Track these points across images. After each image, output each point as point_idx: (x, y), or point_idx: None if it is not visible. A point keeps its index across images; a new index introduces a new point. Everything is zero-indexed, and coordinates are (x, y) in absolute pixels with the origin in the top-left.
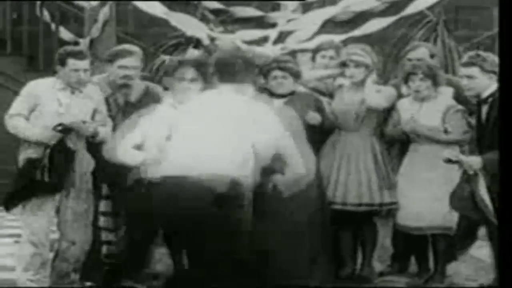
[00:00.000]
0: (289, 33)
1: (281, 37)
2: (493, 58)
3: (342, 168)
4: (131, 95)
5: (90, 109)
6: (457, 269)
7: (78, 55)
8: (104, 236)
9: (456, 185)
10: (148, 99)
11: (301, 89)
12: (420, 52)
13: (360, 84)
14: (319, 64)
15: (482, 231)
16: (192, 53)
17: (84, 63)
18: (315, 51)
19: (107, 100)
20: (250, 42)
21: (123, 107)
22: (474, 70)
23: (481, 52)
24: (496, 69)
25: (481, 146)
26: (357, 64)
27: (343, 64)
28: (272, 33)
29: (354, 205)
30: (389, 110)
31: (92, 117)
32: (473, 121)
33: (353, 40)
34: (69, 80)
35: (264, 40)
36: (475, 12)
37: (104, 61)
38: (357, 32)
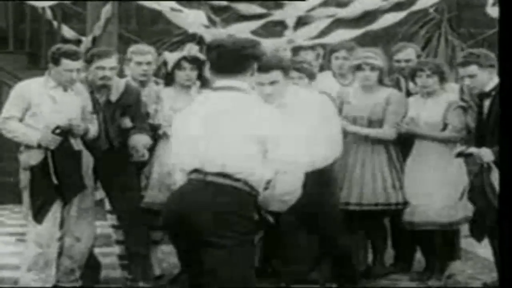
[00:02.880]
0: (298, 26)
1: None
2: (487, 53)
3: (357, 169)
4: (111, 94)
5: (79, 107)
6: (460, 267)
7: (72, 56)
8: (116, 235)
9: (472, 178)
10: (128, 97)
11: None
12: (407, 52)
13: (372, 87)
14: (334, 65)
15: None
16: (191, 48)
17: (77, 64)
18: (329, 52)
19: (91, 94)
20: (266, 33)
21: (104, 106)
22: (473, 69)
23: (473, 50)
24: (493, 62)
25: (480, 143)
26: (373, 67)
27: (358, 67)
28: (290, 20)
29: (370, 205)
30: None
31: (82, 114)
32: (471, 122)
33: (362, 37)
34: (61, 79)
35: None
36: (478, 9)
37: (84, 62)
38: (369, 28)
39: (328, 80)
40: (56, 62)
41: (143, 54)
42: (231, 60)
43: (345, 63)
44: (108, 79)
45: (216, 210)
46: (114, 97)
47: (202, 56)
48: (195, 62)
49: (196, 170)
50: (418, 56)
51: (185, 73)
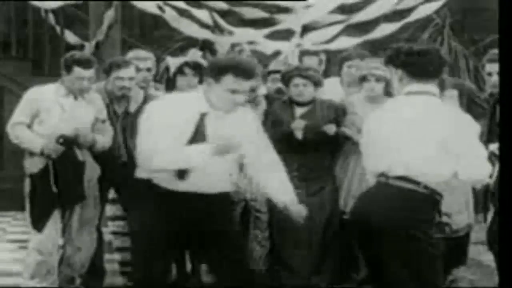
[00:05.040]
0: (305, 31)
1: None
2: None
3: (355, 177)
4: (130, 105)
5: (92, 116)
6: (462, 274)
7: (84, 64)
8: (117, 242)
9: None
10: None
11: (321, 96)
12: None
13: (378, 99)
14: (345, 73)
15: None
16: (194, 53)
17: (90, 72)
18: (342, 60)
19: (107, 105)
20: (272, 37)
21: (122, 117)
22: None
23: None
24: None
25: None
26: (378, 78)
27: (363, 78)
28: (296, 27)
29: None
30: None
31: (93, 125)
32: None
33: (363, 43)
34: (72, 87)
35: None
36: (481, 15)
37: (102, 71)
38: (369, 37)
39: (334, 87)
40: (68, 69)
41: (142, 60)
42: (435, 65)
43: (357, 73)
44: (127, 90)
45: (395, 213)
46: (132, 108)
47: (204, 62)
48: (197, 67)
49: (382, 174)
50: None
51: (186, 79)
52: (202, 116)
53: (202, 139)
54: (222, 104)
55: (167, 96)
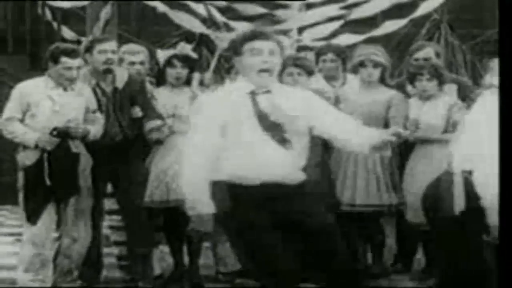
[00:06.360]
0: (305, 27)
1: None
2: None
3: (350, 169)
4: (117, 81)
5: (82, 107)
6: None
7: (71, 53)
8: (114, 236)
9: None
10: (134, 85)
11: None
12: (427, 51)
13: (374, 85)
14: (323, 68)
15: None
16: (183, 46)
17: (77, 61)
18: (316, 55)
19: (94, 91)
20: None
21: (112, 96)
22: None
23: None
24: None
25: None
26: (375, 64)
27: (361, 64)
28: (294, 25)
29: (362, 206)
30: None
31: (84, 115)
32: None
33: (366, 41)
34: (61, 78)
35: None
36: (478, 10)
37: (84, 53)
38: (374, 33)
39: (320, 83)
40: (56, 60)
41: (135, 54)
42: None
43: (333, 65)
44: (112, 62)
45: None
46: (120, 84)
47: (193, 55)
48: (186, 60)
49: None
50: (437, 55)
51: (175, 71)
52: None
53: None
54: None
55: None
